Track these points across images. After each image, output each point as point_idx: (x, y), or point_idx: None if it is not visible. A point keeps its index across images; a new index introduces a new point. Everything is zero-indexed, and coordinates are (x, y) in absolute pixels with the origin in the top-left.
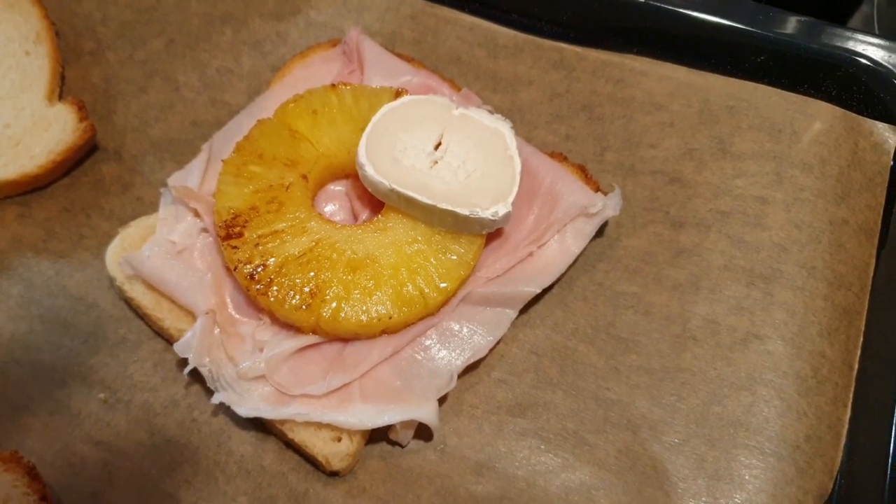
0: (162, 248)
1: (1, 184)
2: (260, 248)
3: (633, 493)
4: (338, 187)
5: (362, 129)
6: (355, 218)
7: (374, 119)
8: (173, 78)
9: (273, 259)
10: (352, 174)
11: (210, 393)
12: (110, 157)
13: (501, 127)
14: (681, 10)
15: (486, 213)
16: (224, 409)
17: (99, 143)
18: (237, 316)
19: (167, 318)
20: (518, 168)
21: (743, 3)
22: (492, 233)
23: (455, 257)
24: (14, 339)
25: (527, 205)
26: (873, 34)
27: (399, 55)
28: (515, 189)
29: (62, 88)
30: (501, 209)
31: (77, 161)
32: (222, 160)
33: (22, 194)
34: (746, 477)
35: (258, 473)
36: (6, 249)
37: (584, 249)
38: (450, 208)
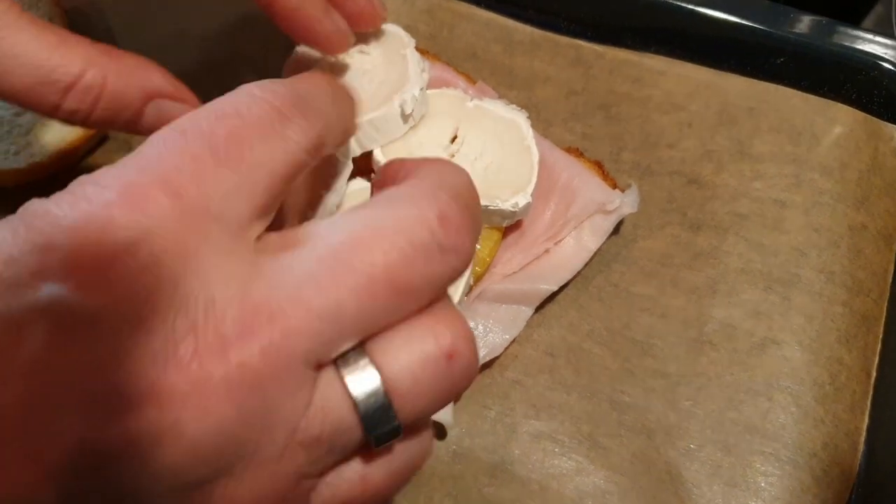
0: None
1: (11, 173)
2: None
3: (647, 499)
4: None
5: None
6: None
7: None
8: (183, 66)
9: None
10: (368, 171)
11: None
12: (120, 146)
13: (517, 117)
14: (700, 10)
15: (507, 205)
16: None
17: (108, 132)
18: None
19: None
20: (536, 158)
21: (763, 3)
22: (508, 228)
23: None
24: None
25: (543, 200)
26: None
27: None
28: (534, 179)
29: None
30: (521, 199)
31: (87, 150)
32: None
33: (30, 183)
34: (762, 484)
35: None
36: None
37: (601, 249)
38: None
